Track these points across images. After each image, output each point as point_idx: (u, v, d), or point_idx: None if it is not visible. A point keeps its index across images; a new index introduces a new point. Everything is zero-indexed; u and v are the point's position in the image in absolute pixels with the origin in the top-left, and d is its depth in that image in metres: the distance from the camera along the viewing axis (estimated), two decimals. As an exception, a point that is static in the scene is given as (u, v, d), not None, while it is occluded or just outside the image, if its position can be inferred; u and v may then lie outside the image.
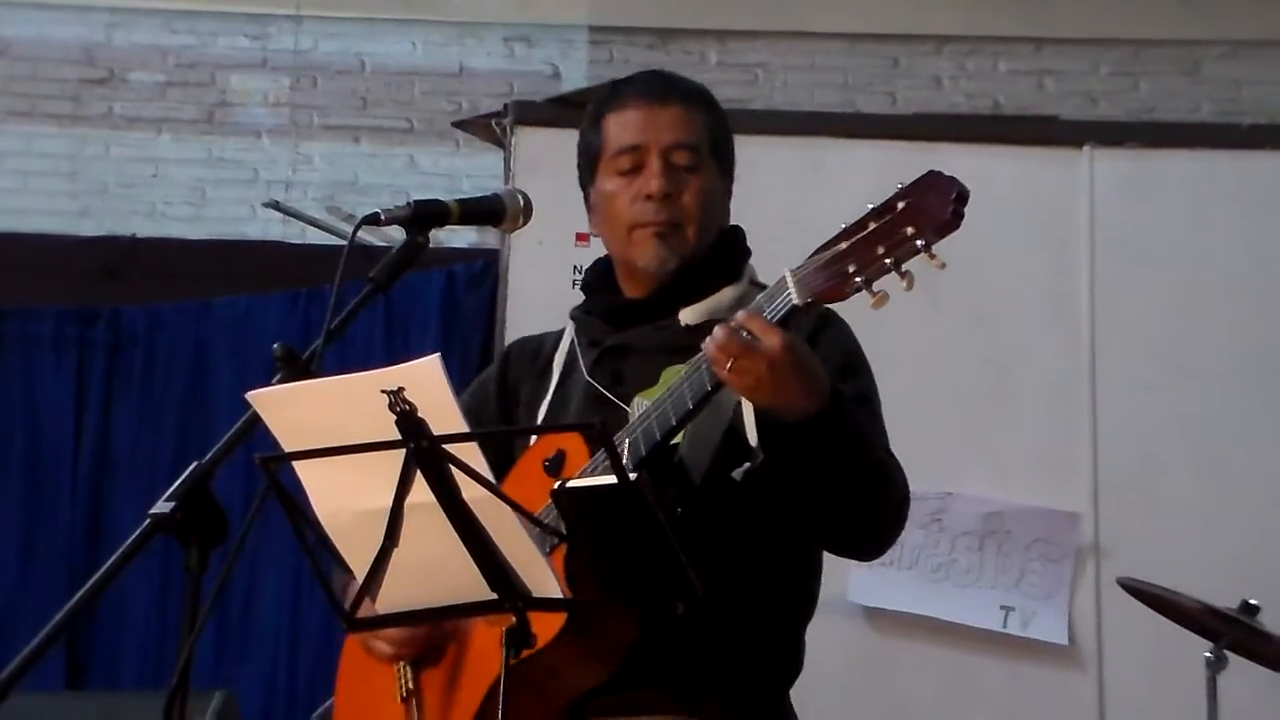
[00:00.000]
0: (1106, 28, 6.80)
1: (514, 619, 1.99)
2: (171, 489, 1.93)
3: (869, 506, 2.30)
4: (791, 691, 2.45)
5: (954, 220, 2.05)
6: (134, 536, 1.92)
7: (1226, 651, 3.50)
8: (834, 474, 2.23)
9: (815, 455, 2.20)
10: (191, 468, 1.95)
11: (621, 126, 2.49)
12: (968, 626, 4.47)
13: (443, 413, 1.89)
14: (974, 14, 6.84)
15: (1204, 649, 3.52)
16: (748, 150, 4.63)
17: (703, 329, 2.26)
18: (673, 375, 2.28)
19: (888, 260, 2.06)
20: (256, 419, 1.99)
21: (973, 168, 4.55)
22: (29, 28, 6.85)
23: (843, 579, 4.38)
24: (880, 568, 4.40)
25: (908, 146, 4.60)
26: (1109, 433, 4.55)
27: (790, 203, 4.40)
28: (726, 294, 2.45)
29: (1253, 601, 3.46)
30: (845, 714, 4.34)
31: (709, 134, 2.50)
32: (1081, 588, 4.47)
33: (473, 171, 6.62)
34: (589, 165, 2.53)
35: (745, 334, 2.11)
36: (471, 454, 1.90)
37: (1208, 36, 6.77)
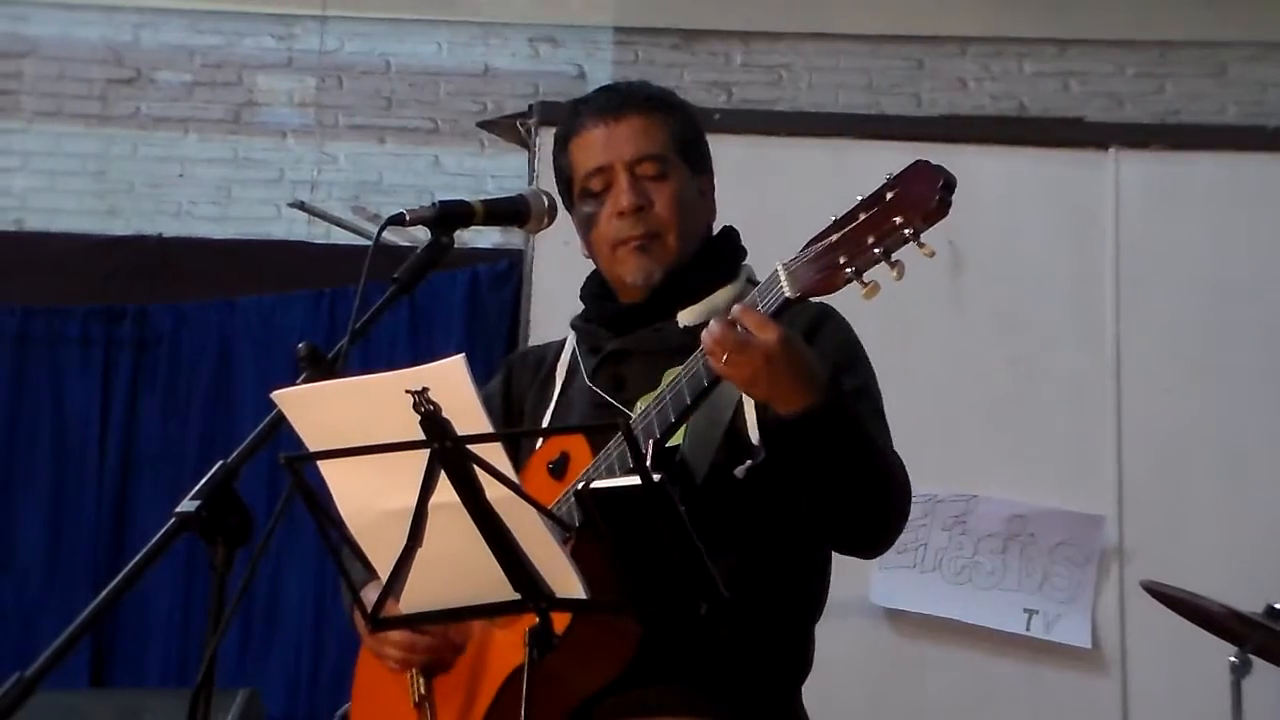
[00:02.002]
0: (1132, 29, 6.78)
1: (537, 619, 1.99)
2: (197, 487, 1.94)
3: (869, 500, 2.29)
4: (813, 693, 2.44)
5: (941, 208, 2.04)
6: (159, 535, 1.92)
7: (1251, 655, 3.48)
8: (833, 467, 2.23)
9: (814, 448, 2.20)
10: (216, 466, 1.96)
11: (585, 149, 2.50)
12: (991, 629, 4.46)
13: (467, 413, 1.89)
14: (999, 15, 6.83)
15: (1228, 653, 3.51)
16: (772, 151, 4.68)
17: (701, 330, 2.27)
18: (673, 377, 2.28)
19: (877, 250, 2.05)
20: (281, 418, 2.00)
21: (998, 169, 4.64)
22: (56, 28, 6.88)
23: (865, 581, 4.38)
24: (903, 570, 4.41)
25: (932, 148, 4.53)
26: (1133, 436, 4.54)
27: (814, 204, 4.35)
28: (722, 294, 2.46)
29: (1278, 605, 3.45)
30: (867, 716, 4.34)
31: (672, 137, 2.50)
32: (1105, 591, 4.46)
33: (497, 172, 6.64)
34: (566, 191, 2.55)
35: (741, 328, 2.12)
36: (495, 454, 1.91)
37: (1234, 38, 6.75)
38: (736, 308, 2.15)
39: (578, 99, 2.63)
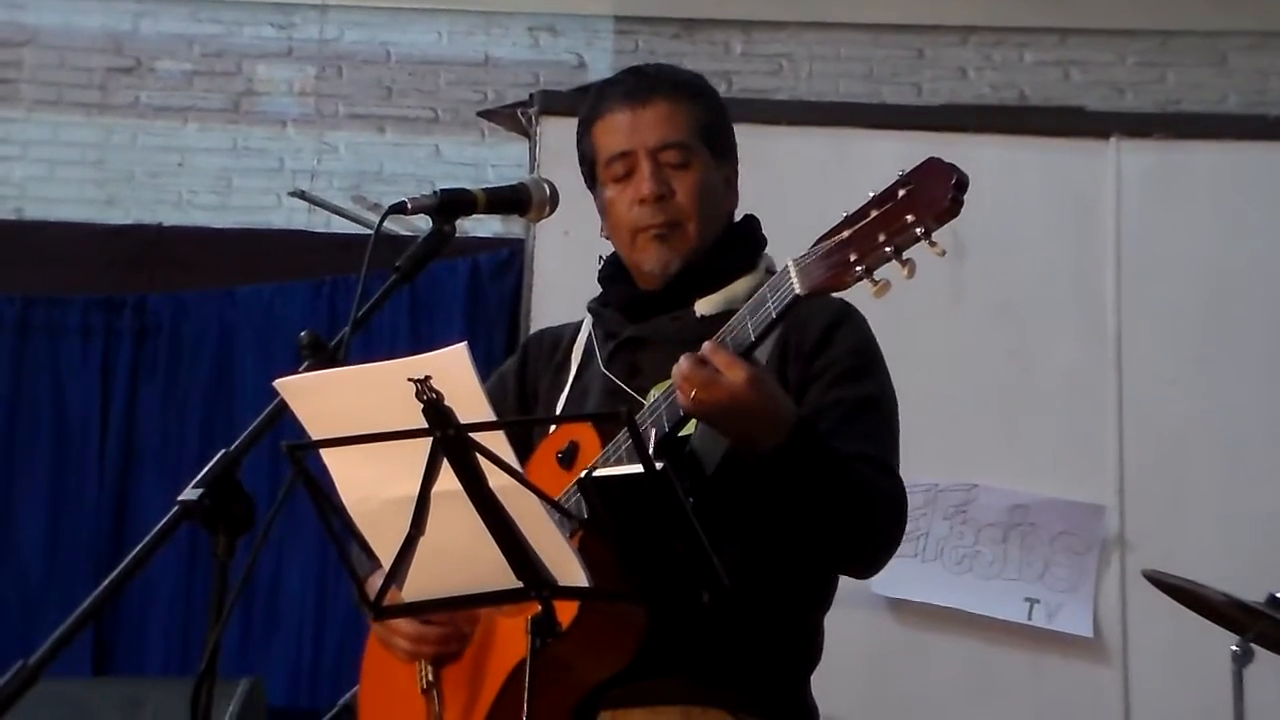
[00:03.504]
0: (1133, 18, 6.77)
1: (539, 607, 2.00)
2: (199, 476, 1.94)
3: (847, 534, 2.30)
4: (815, 681, 2.44)
5: (953, 207, 2.04)
6: (162, 524, 1.92)
7: (1253, 645, 3.48)
8: (806, 504, 2.24)
9: (784, 487, 2.21)
10: (219, 455, 1.96)
11: (608, 133, 2.49)
12: (992, 618, 4.46)
13: (469, 401, 1.89)
14: (999, 4, 6.83)
15: (1230, 642, 3.51)
16: (772, 140, 4.68)
17: (718, 320, 2.26)
18: None
19: (888, 248, 2.05)
20: (283, 407, 2.00)
21: (998, 159, 4.64)
22: (56, 16, 6.88)
23: (867, 570, 4.38)
24: (905, 559, 4.39)
25: (933, 137, 4.58)
26: (1134, 425, 4.53)
27: (815, 193, 4.39)
28: (741, 284, 2.44)
29: (1279, 595, 3.45)
30: (869, 705, 4.34)
31: (697, 124, 2.48)
32: (1106, 580, 4.46)
33: (498, 161, 6.64)
34: (589, 173, 2.55)
35: (710, 366, 2.12)
36: (498, 442, 1.91)
37: (1235, 27, 6.75)
38: (707, 345, 2.16)
39: (604, 80, 2.61)
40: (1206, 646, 3.68)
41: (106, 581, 1.90)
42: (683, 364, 2.14)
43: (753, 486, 2.23)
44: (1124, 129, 4.78)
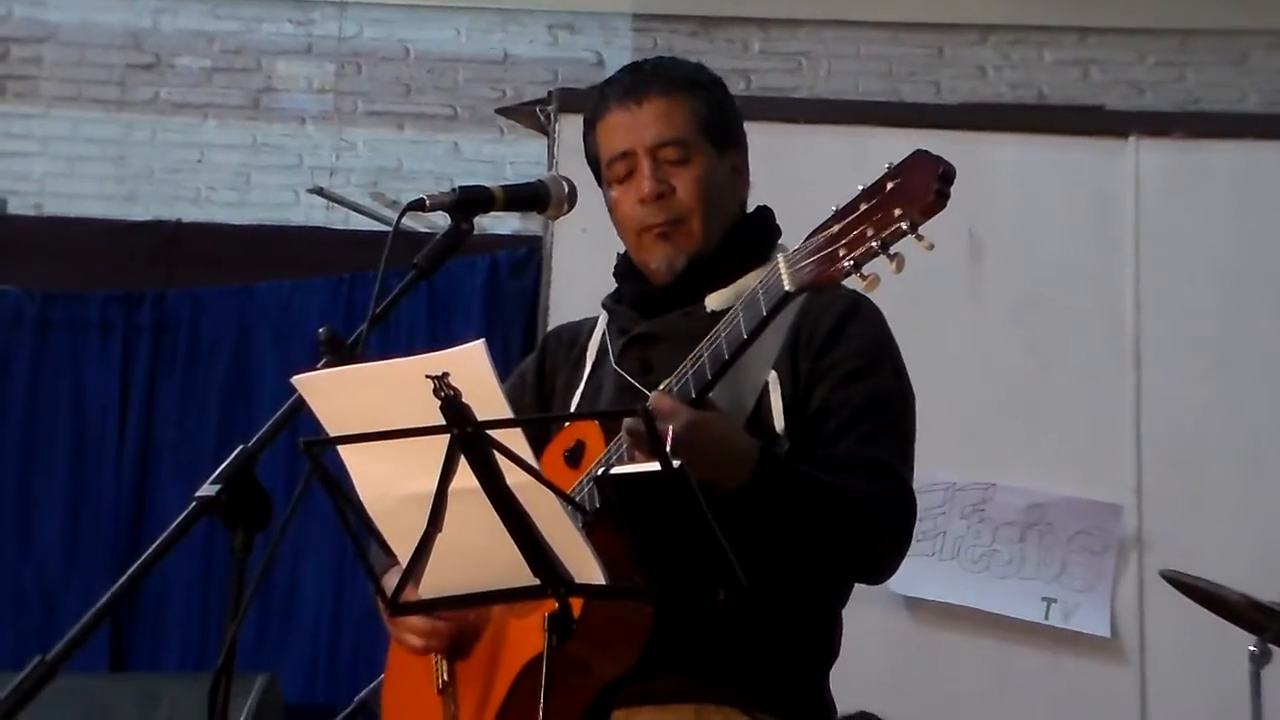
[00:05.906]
0: (1153, 17, 6.76)
1: (556, 604, 2.00)
2: (217, 472, 1.94)
3: (838, 550, 2.30)
4: (831, 680, 2.44)
5: (938, 201, 2.01)
6: (180, 519, 1.92)
7: (1270, 645, 3.48)
8: (791, 529, 2.24)
9: (763, 518, 2.21)
10: (237, 451, 1.96)
11: (609, 134, 2.49)
12: (1009, 618, 4.45)
13: (487, 398, 1.89)
14: (1019, 3, 6.82)
15: (1248, 643, 3.50)
16: (791, 139, 4.68)
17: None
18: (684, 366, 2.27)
19: (875, 244, 2.03)
20: (301, 403, 2.00)
21: (1017, 158, 4.64)
22: (76, 13, 6.89)
23: (883, 569, 4.37)
24: (922, 558, 4.40)
25: (952, 136, 4.57)
26: (1152, 424, 4.53)
27: (833, 192, 4.37)
28: (753, 277, 2.38)
29: (1297, 594, 3.44)
30: (886, 704, 4.32)
31: (695, 118, 2.46)
32: (1124, 580, 4.45)
33: (516, 158, 6.64)
34: (596, 173, 2.54)
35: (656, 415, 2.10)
36: (515, 440, 1.91)
37: (1255, 26, 6.73)
38: (652, 396, 2.15)
39: (604, 80, 2.61)
40: (1224, 647, 3.67)
41: (124, 577, 1.91)
42: (628, 422, 2.12)
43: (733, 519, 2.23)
44: (1143, 128, 4.78)
